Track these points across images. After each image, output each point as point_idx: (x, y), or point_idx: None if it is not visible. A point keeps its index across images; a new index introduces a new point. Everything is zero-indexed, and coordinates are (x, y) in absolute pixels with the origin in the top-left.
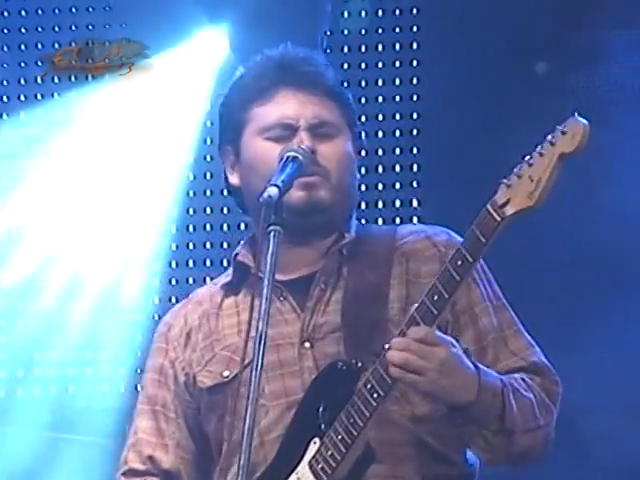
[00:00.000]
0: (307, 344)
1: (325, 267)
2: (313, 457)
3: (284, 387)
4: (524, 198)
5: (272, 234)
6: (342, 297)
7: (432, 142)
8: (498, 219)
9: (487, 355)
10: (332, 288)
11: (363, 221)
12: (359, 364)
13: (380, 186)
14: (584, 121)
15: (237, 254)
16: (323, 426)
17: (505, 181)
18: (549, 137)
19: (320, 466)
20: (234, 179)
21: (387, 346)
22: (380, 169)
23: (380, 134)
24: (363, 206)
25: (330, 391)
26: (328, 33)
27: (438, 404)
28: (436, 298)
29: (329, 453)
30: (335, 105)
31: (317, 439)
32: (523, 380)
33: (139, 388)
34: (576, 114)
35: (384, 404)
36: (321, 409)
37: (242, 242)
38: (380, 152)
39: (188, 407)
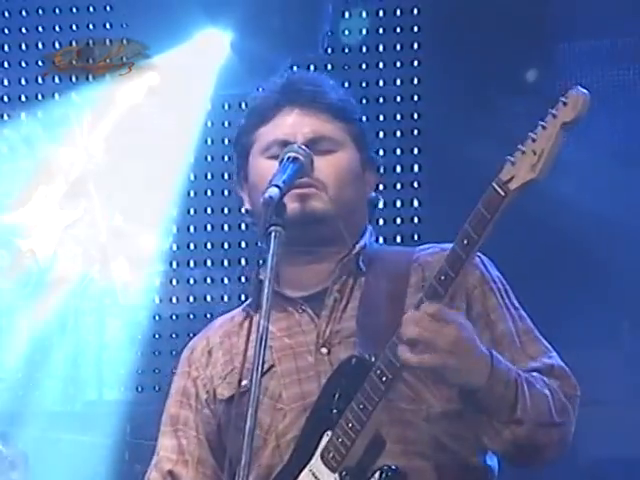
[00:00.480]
0: (324, 350)
1: (339, 277)
2: (325, 448)
3: (301, 391)
4: (527, 171)
5: (273, 234)
6: (358, 305)
7: (433, 142)
8: (502, 194)
9: (503, 358)
10: (347, 297)
11: None
12: (372, 358)
13: (381, 186)
14: (584, 91)
15: (257, 274)
16: (335, 412)
17: (510, 158)
18: (551, 110)
19: (331, 455)
20: (247, 204)
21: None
22: (381, 169)
23: (381, 134)
24: None
25: (344, 384)
26: (329, 33)
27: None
28: (443, 278)
29: (339, 441)
30: (337, 120)
31: (329, 431)
32: (541, 379)
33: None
34: (578, 86)
35: (394, 385)
36: (335, 400)
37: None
38: (381, 152)
39: (209, 424)
